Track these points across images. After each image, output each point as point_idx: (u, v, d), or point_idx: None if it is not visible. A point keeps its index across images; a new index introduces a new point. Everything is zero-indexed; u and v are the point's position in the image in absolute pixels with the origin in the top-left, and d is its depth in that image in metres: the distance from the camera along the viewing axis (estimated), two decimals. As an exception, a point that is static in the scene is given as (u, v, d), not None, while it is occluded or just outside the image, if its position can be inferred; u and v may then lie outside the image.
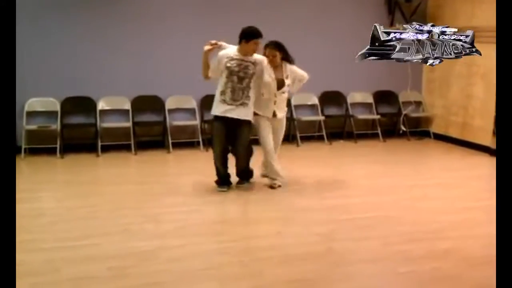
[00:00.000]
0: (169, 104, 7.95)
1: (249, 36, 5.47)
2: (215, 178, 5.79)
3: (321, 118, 8.51)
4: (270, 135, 5.75)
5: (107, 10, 7.63)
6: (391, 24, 8.66)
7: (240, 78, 5.50)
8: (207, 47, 5.55)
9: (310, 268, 3.83)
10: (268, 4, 8.20)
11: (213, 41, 5.58)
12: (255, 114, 5.67)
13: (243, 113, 5.54)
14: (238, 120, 5.54)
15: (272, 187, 5.83)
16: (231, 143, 5.71)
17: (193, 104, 8.03)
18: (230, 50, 5.58)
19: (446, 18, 8.43)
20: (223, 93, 5.54)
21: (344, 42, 8.57)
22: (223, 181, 5.77)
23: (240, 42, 5.51)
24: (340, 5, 8.57)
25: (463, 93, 8.32)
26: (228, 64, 5.50)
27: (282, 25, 7.98)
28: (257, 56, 5.60)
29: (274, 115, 5.76)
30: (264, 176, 5.99)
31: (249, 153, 5.86)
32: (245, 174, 5.89)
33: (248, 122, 5.61)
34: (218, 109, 5.59)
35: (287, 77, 5.76)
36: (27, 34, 7.27)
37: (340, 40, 8.59)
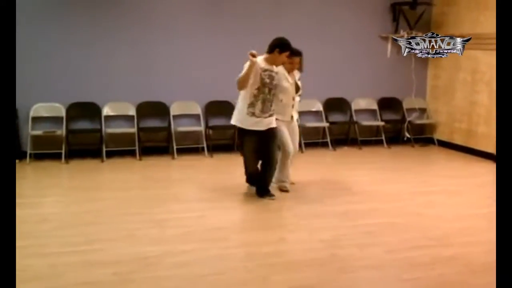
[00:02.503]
0: (174, 110, 7.97)
1: (285, 47, 5.43)
2: (219, 183, 5.81)
3: (326, 124, 8.52)
4: (289, 138, 5.83)
5: (112, 16, 7.67)
6: (396, 31, 8.70)
7: (270, 90, 5.46)
8: (254, 59, 5.17)
9: (314, 274, 3.83)
10: (271, 11, 8.23)
11: (254, 51, 5.18)
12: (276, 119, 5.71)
13: (271, 122, 5.55)
14: (266, 130, 5.51)
15: (282, 189, 5.91)
16: (261, 155, 5.65)
17: (197, 110, 8.05)
18: (259, 60, 5.37)
19: (450, 25, 8.46)
20: (251, 105, 5.41)
21: (348, 49, 8.61)
22: (266, 190, 5.71)
23: (271, 52, 5.43)
24: (344, 12, 8.58)
25: (468, 100, 8.31)
26: (262, 76, 5.39)
27: (286, 32, 7.87)
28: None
29: (291, 118, 5.88)
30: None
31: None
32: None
33: (274, 130, 5.60)
34: (246, 122, 5.48)
35: (299, 80, 5.91)
36: (33, 39, 7.33)
37: (344, 47, 8.62)
